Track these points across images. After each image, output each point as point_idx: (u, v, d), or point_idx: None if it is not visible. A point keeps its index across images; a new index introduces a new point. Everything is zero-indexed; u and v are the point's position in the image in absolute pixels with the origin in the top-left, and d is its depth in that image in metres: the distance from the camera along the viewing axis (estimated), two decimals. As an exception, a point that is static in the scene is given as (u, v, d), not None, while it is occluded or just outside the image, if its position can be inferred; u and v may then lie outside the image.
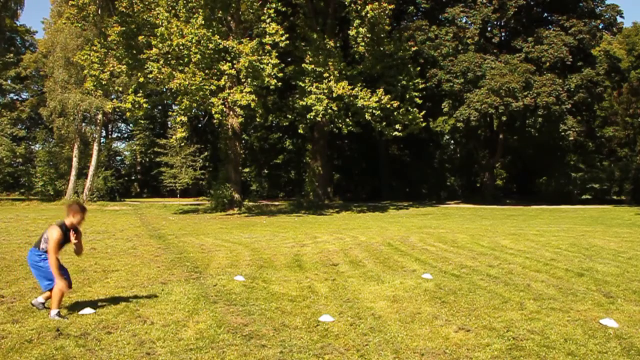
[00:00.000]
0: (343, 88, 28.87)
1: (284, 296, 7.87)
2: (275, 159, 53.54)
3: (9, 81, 51.20)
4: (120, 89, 35.04)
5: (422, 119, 31.87)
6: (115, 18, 30.68)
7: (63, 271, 6.82)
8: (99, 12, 33.92)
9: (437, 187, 48.41)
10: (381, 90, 29.92)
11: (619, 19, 39.20)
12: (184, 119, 28.81)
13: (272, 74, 27.23)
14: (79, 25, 33.15)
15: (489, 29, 38.87)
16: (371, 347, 5.60)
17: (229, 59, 28.17)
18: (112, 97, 39.03)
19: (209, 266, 10.60)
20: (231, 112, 31.38)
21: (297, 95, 31.78)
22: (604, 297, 7.84)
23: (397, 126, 30.98)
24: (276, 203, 41.29)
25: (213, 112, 28.02)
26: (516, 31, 38.92)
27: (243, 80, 28.39)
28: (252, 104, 27.27)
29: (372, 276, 9.59)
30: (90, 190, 41.10)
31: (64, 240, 6.70)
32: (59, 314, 6.58)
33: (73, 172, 41.62)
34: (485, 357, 5.42)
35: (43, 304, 7.01)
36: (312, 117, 29.50)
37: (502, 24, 39.39)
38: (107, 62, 30.67)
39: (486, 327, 6.31)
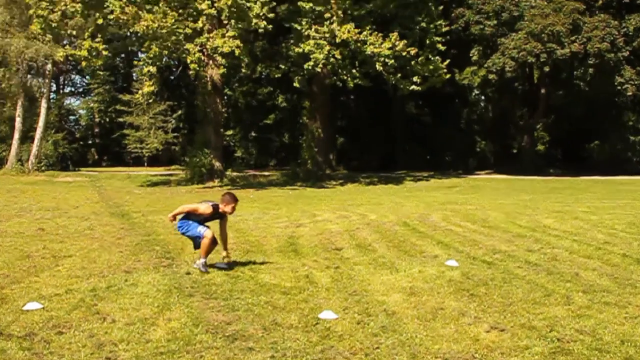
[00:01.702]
0: (348, 32, 28.54)
1: (276, 288, 7.85)
2: (265, 119, 53.36)
3: None
4: (75, 32, 34.69)
5: (445, 70, 31.61)
6: (65, -57, 30.17)
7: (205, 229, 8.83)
8: None
9: (465, 154, 48.37)
10: (395, 34, 29.58)
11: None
12: (153, 69, 28.61)
13: (261, 14, 26.90)
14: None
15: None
16: (383, 351, 5.58)
17: (207, -6, 27.80)
18: (65, 42, 38.67)
19: (183, 251, 10.57)
20: (211, 62, 31.09)
21: (291, 41, 31.45)
22: (670, 288, 7.82)
23: (415, 79, 30.75)
24: (266, 173, 41.29)
25: (188, 61, 27.78)
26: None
27: (225, 22, 28.08)
28: (237, 52, 27.01)
29: (384, 263, 9.56)
30: (37, 158, 41.01)
31: (208, 219, 8.91)
32: (204, 264, 8.71)
33: (16, 136, 41.48)
34: (524, 362, 5.41)
35: (225, 264, 9.08)
36: (310, 68, 29.25)
37: (547, -50, 38.78)
38: (57, -1, 30.28)
39: (524, 325, 6.31)
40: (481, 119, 52.72)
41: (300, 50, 29.19)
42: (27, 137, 42.27)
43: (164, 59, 33.30)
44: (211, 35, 27.92)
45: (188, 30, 27.24)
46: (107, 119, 56.52)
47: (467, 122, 50.96)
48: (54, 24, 30.21)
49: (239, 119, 54.44)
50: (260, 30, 27.75)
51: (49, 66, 42.09)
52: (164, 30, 26.48)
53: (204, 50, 28.68)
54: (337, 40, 28.92)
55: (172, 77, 53.19)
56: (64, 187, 29.90)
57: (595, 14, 34.74)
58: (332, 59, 29.04)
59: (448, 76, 32.54)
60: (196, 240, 8.89)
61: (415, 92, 32.38)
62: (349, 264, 9.58)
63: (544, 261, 9.68)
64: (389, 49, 28.96)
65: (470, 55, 37.78)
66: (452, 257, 10.02)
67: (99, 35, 30.35)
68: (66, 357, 5.40)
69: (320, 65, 29.37)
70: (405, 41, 29.65)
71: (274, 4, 29.13)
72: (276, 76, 33.72)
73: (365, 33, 29.25)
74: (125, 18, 27.55)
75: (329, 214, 16.92)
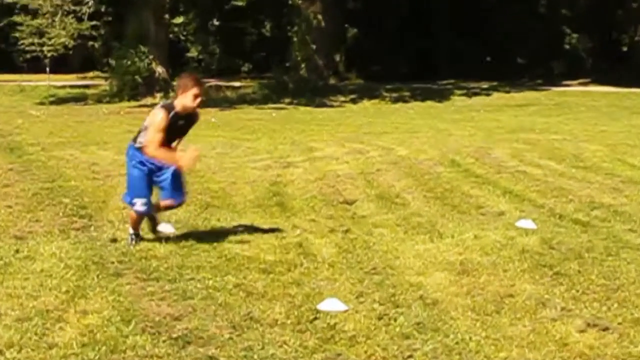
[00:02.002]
0: None
1: (251, 263, 7.86)
2: (234, 0, 52.78)
3: None
4: None
5: None
6: None
7: (174, 184, 8.54)
8: None
9: (546, 54, 48.03)
10: None
11: None
12: None
13: None
14: None
15: None
16: (419, 361, 5.59)
17: None
18: None
19: (106, 205, 10.60)
20: None
21: None
22: None
23: None
24: (236, 84, 41.07)
25: None
26: None
27: None
28: None
29: (420, 225, 9.56)
30: None
31: (171, 132, 8.26)
32: (133, 237, 8.59)
33: None
34: (639, 379, 5.43)
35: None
36: None
37: None
38: None
39: (639, 322, 6.28)
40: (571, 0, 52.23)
41: None
42: None
43: None
44: None
45: None
46: (-13, -1, 55.94)
47: (549, 3, 50.45)
48: None
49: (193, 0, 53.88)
50: None
51: None
52: None
53: None
54: None
55: None
56: None
57: None
58: None
59: None
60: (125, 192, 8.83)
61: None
62: (365, 225, 9.58)
63: (670, 222, 9.68)
64: None
65: None
66: (526, 214, 10.00)
67: None
68: None
69: None
70: None
71: None
72: None
73: None
74: None
75: (335, 147, 16.83)
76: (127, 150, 8.60)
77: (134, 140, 8.43)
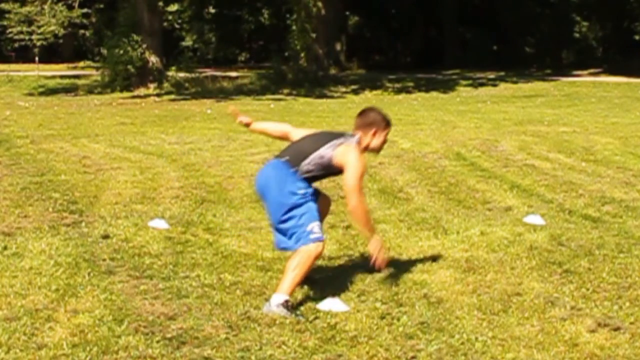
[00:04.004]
0: None
1: (249, 260, 7.87)
2: (231, -14, 52.76)
3: None
4: None
5: None
6: None
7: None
8: None
9: (556, 42, 47.96)
10: None
11: None
12: None
13: None
14: None
15: None
16: (423, 362, 5.58)
17: None
18: None
19: (97, 200, 10.57)
20: None
21: None
22: None
23: None
24: (233, 74, 40.99)
25: None
26: None
27: None
28: None
29: (424, 220, 9.57)
30: None
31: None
32: (287, 306, 6.46)
33: None
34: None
35: None
36: None
37: None
38: None
39: (653, 322, 6.30)
40: (582, -15, 52.18)
41: None
42: None
43: None
44: None
45: None
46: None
47: (559, -10, 50.44)
48: None
49: (188, -14, 53.86)
50: None
51: None
52: None
53: None
54: None
55: None
56: None
57: None
58: None
59: None
60: (291, 243, 6.77)
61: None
62: (367, 221, 9.55)
63: (684, 217, 9.68)
64: None
65: None
66: (534, 210, 10.00)
67: None
68: None
69: None
70: None
71: None
72: None
73: None
74: None
75: (335, 140, 16.81)
76: (281, 176, 6.75)
77: (296, 166, 6.72)
